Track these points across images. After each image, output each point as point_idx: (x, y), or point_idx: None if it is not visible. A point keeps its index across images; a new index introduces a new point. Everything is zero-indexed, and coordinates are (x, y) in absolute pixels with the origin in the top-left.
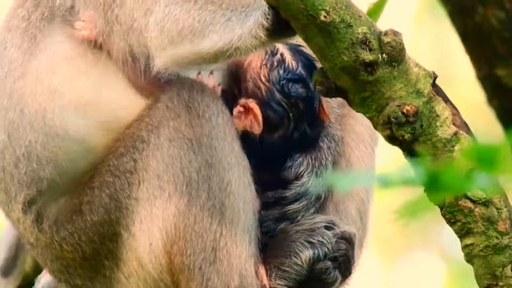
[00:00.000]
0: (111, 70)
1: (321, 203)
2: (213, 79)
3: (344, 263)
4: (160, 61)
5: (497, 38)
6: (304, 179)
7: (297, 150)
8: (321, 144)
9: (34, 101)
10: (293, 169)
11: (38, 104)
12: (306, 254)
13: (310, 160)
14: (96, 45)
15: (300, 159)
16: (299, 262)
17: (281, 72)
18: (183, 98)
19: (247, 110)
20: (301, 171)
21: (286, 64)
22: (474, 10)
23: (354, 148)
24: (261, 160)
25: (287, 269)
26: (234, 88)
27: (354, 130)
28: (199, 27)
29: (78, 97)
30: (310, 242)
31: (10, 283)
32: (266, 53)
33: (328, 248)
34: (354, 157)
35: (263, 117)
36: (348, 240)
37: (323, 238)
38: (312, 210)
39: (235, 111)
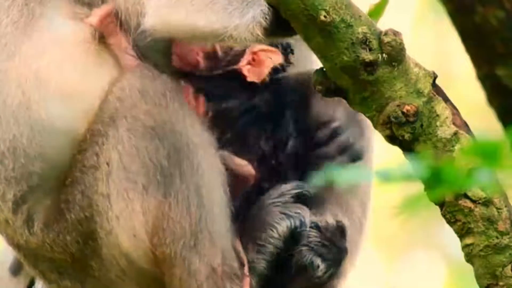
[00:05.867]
0: (103, 59)
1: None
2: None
3: (327, 251)
4: (151, 20)
5: (497, 38)
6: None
7: None
8: None
9: (18, 89)
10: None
11: (22, 94)
12: (283, 225)
13: None
14: (97, 36)
15: None
16: (275, 235)
17: None
18: (136, 88)
19: (256, 55)
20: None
21: None
22: (474, 10)
23: None
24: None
25: (263, 242)
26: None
27: None
28: (200, 1)
29: (64, 86)
30: (285, 214)
31: (20, 281)
32: None
33: (302, 220)
34: None
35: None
36: (338, 230)
37: (298, 208)
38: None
39: (244, 69)
